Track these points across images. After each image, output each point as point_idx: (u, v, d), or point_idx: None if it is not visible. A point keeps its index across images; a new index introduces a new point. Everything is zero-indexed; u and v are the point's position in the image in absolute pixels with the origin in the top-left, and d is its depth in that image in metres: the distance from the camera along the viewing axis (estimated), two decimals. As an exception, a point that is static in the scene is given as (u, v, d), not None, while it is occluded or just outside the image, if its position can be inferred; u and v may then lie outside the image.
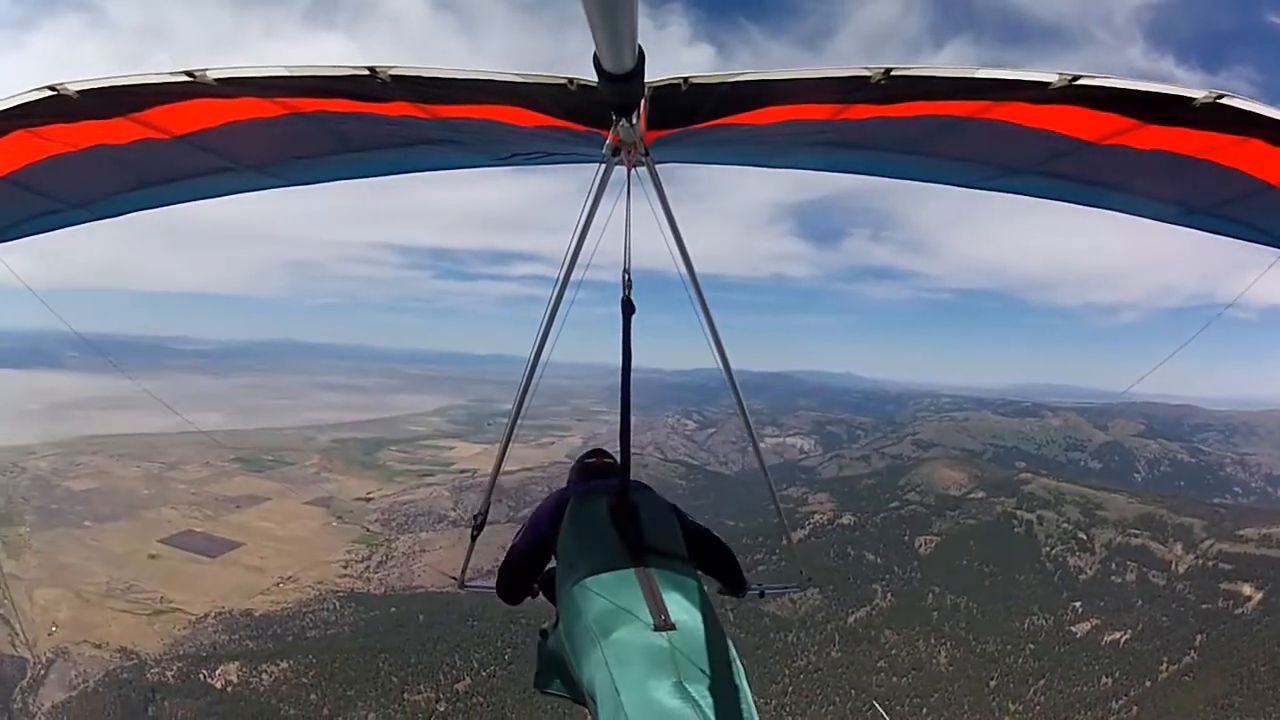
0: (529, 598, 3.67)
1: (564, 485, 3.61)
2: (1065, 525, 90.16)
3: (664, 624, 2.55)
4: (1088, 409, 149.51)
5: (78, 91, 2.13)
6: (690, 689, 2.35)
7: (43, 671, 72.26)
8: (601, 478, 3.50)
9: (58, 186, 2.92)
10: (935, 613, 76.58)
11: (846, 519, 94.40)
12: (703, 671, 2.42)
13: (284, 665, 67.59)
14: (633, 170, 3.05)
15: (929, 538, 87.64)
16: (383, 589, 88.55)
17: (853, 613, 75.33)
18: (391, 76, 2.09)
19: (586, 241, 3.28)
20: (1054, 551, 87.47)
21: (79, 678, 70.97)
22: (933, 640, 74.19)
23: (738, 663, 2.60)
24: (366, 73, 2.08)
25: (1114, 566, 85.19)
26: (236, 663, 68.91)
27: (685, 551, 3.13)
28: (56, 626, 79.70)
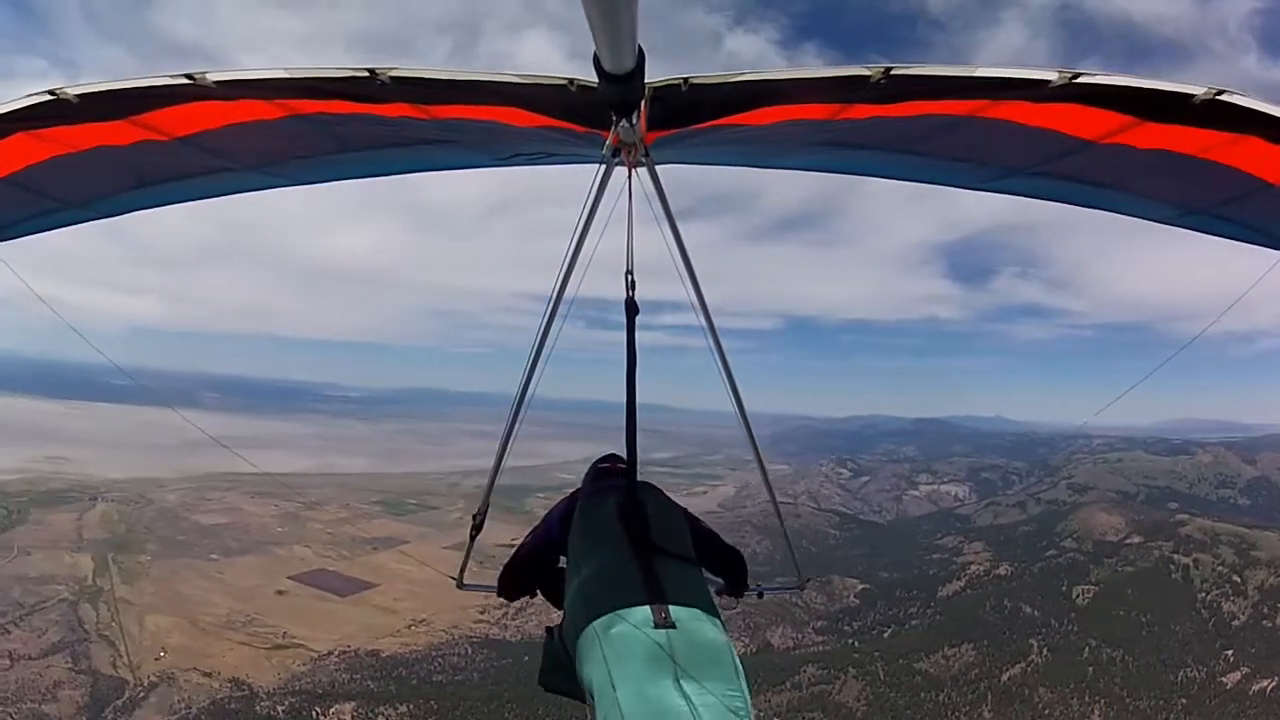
0: (526, 596, 3.68)
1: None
2: (1220, 568, 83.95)
3: (664, 622, 2.54)
4: (1235, 443, 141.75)
5: (77, 95, 2.15)
6: (687, 687, 2.36)
7: (142, 694, 70.29)
8: (614, 480, 3.46)
9: (58, 187, 2.91)
10: (1091, 668, 71.13)
11: (1003, 569, 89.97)
12: (700, 670, 2.42)
13: (403, 709, 65.39)
14: (633, 171, 3.02)
15: (1086, 587, 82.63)
16: (519, 636, 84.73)
17: (1007, 670, 70.35)
18: (391, 78, 2.09)
19: (586, 243, 3.22)
20: (1209, 597, 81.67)
21: (181, 703, 69.14)
22: (1086, 698, 68.81)
23: (737, 664, 2.57)
24: (366, 74, 2.08)
25: (1265, 610, 79.71)
26: (353, 702, 66.68)
27: (691, 552, 3.07)
28: (165, 652, 78.00)
